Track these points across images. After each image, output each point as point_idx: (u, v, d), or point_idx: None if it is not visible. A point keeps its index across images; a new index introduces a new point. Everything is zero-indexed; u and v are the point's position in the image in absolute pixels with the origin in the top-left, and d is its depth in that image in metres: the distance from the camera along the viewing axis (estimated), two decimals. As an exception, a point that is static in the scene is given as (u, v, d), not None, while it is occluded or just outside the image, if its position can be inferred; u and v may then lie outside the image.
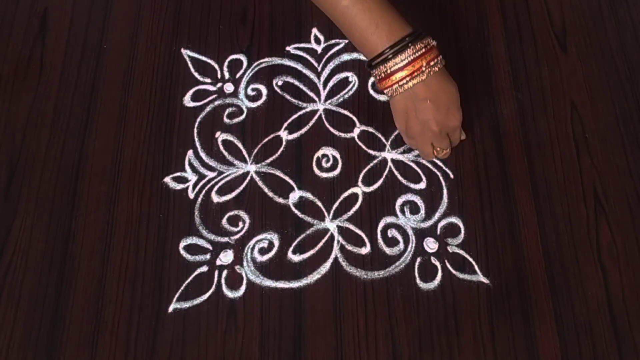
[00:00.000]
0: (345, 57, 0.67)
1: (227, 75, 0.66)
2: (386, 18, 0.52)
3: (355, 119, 0.64)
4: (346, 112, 0.65)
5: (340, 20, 0.54)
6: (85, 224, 0.59)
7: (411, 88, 0.53)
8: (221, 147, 0.63)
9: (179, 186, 0.61)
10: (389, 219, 0.59)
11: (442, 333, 0.55)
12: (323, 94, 0.65)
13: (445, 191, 0.61)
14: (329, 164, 0.62)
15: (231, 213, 0.60)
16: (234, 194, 0.61)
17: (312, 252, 0.58)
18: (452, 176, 0.61)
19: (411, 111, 0.54)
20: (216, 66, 0.67)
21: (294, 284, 0.57)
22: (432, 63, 0.52)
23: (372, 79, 0.66)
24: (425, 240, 0.58)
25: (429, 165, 0.62)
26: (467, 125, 0.63)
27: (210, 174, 0.61)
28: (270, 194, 0.61)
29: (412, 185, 0.61)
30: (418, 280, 0.57)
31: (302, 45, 0.68)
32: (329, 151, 0.63)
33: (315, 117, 0.64)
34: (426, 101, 0.53)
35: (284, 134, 0.63)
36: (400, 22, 0.53)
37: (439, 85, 0.54)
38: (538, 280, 0.57)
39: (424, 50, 0.52)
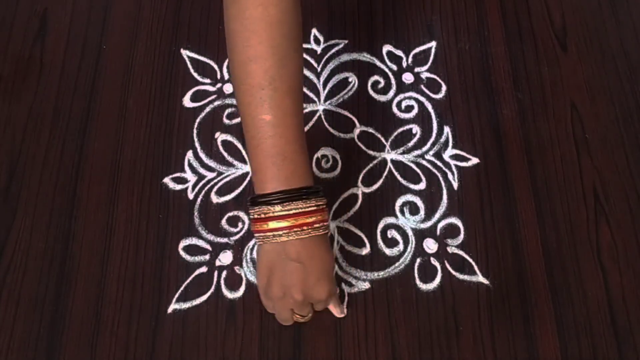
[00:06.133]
0: (345, 57, 0.67)
1: (226, 76, 0.66)
2: (296, 158, 0.47)
3: (355, 119, 0.64)
4: (346, 113, 0.64)
5: (251, 133, 0.47)
6: (85, 224, 0.59)
7: (285, 243, 0.46)
8: (221, 148, 0.63)
9: (179, 187, 0.61)
10: (389, 220, 0.59)
11: (442, 333, 0.55)
12: (323, 94, 0.65)
13: (444, 192, 0.61)
14: (328, 165, 0.62)
15: (231, 214, 0.60)
16: (233, 194, 0.60)
17: (311, 252, 0.58)
18: (452, 176, 0.61)
19: (277, 270, 0.47)
20: (215, 67, 0.67)
21: (294, 285, 0.57)
22: (316, 225, 0.47)
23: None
24: (425, 240, 0.58)
25: (429, 166, 0.62)
26: (465, 126, 0.63)
27: (210, 175, 0.61)
28: (270, 195, 0.60)
29: (411, 186, 0.61)
30: (418, 281, 0.57)
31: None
32: (329, 152, 0.63)
33: (315, 117, 0.64)
34: (296, 263, 0.46)
35: (283, 134, 0.63)
36: (306, 171, 0.48)
37: (316, 250, 0.47)
38: (538, 281, 0.57)
39: (314, 208, 0.47)
